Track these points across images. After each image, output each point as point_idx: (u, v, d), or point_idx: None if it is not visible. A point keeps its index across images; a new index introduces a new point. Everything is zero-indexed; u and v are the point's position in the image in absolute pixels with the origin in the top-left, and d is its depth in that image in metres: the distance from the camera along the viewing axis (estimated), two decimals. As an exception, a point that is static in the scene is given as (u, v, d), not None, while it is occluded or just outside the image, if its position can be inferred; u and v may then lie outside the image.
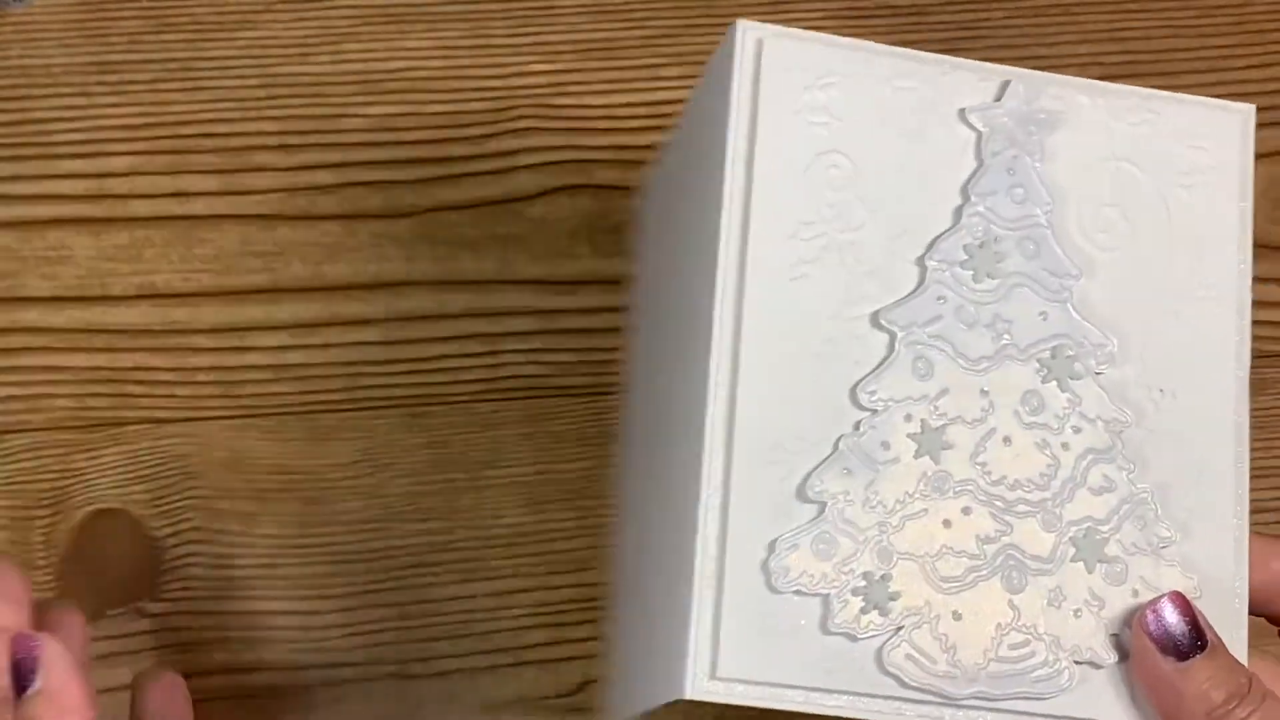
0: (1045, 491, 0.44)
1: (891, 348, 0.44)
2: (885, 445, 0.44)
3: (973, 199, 0.46)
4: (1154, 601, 0.44)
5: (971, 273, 0.45)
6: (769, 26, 0.45)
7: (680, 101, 0.63)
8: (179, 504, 0.59)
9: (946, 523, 0.44)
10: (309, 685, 0.58)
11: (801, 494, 0.43)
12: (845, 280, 0.45)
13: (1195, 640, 0.43)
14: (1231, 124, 0.48)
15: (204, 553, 0.59)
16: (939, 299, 0.45)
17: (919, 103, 0.46)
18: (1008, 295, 0.45)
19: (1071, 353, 0.45)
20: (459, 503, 0.60)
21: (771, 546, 0.43)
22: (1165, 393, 0.46)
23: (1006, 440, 0.45)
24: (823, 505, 0.43)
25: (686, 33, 0.64)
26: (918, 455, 0.44)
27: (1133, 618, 0.44)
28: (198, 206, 0.61)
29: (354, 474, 0.60)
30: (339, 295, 0.61)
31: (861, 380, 0.44)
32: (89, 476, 0.59)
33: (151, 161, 0.62)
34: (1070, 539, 0.44)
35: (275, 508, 0.60)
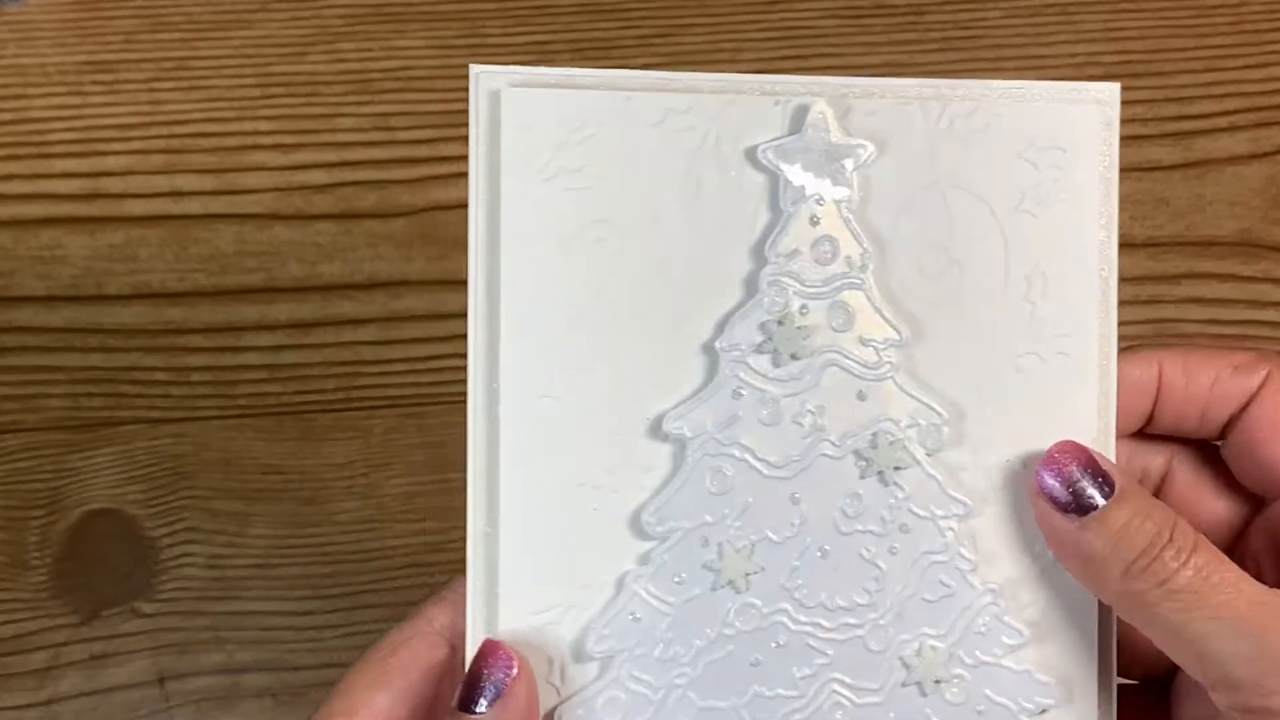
0: (871, 609, 0.38)
1: (679, 460, 0.38)
2: (678, 579, 0.38)
3: (770, 262, 0.38)
4: (1045, 454, 0.37)
5: (770, 356, 0.38)
6: (510, 71, 0.37)
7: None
8: (173, 504, 0.59)
9: (755, 661, 0.38)
10: (304, 686, 0.58)
11: (580, 652, 0.37)
12: (620, 385, 0.38)
13: (1098, 487, 0.36)
14: (1088, 117, 0.39)
15: (198, 553, 0.59)
16: (734, 394, 0.38)
17: (698, 145, 0.38)
18: (817, 378, 0.38)
19: (895, 438, 0.38)
20: (454, 503, 0.60)
21: (550, 718, 0.37)
22: (1010, 465, 0.38)
23: (823, 554, 0.38)
24: (607, 660, 0.37)
25: (683, 32, 0.64)
26: (716, 588, 0.38)
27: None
28: (193, 206, 0.61)
29: (349, 474, 0.60)
30: (334, 295, 0.61)
31: (644, 504, 0.38)
32: (84, 476, 0.59)
33: (146, 161, 0.62)
34: (901, 659, 0.38)
35: (270, 508, 0.59)
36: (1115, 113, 0.38)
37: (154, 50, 0.63)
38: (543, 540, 0.37)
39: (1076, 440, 0.38)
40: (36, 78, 0.62)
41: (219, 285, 0.61)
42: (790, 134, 0.38)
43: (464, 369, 0.61)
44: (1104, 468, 0.37)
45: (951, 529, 0.38)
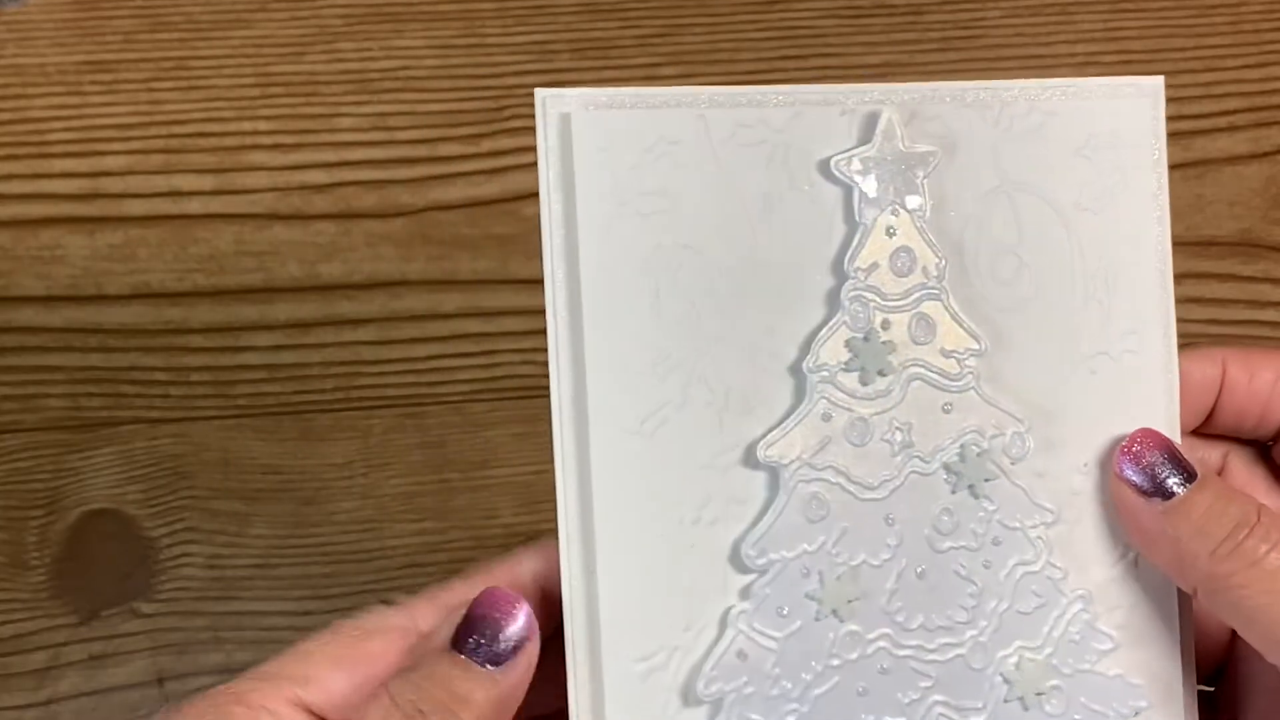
0: (971, 626, 0.38)
1: (775, 489, 0.37)
2: (781, 612, 0.37)
3: (850, 277, 0.37)
4: (1124, 442, 0.37)
5: (858, 374, 0.37)
6: (577, 93, 0.36)
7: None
8: (173, 504, 0.59)
9: (863, 690, 0.37)
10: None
11: (689, 696, 0.36)
12: (710, 414, 0.37)
13: (1178, 474, 0.37)
14: (1137, 111, 0.39)
15: (198, 553, 0.59)
16: (824, 416, 0.37)
17: (769, 159, 0.37)
18: (903, 393, 0.37)
19: (982, 448, 0.38)
20: (453, 503, 0.60)
21: None
22: (1087, 469, 0.38)
23: (920, 574, 0.37)
24: (718, 703, 0.36)
25: (682, 32, 0.64)
26: (820, 617, 0.37)
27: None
28: (192, 206, 0.61)
29: (348, 474, 0.60)
30: (333, 295, 0.61)
31: (745, 536, 0.37)
32: (83, 476, 0.59)
33: (146, 161, 0.62)
34: (1002, 675, 0.38)
35: (269, 508, 0.59)
36: (1161, 105, 0.39)
37: (153, 50, 0.63)
38: (642, 584, 0.36)
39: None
40: (35, 77, 0.62)
41: (218, 285, 0.61)
42: (860, 144, 0.37)
43: (462, 369, 0.61)
44: (1182, 455, 0.37)
45: (1040, 538, 0.38)
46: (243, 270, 0.61)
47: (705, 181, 0.37)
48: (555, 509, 0.61)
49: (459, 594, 0.37)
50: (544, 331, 0.61)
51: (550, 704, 0.37)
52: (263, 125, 0.62)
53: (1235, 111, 0.64)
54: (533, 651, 0.36)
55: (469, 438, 0.60)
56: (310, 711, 0.35)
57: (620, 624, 0.36)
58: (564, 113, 0.36)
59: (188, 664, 0.58)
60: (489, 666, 0.35)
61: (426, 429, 0.60)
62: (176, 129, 0.62)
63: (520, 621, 0.35)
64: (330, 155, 0.62)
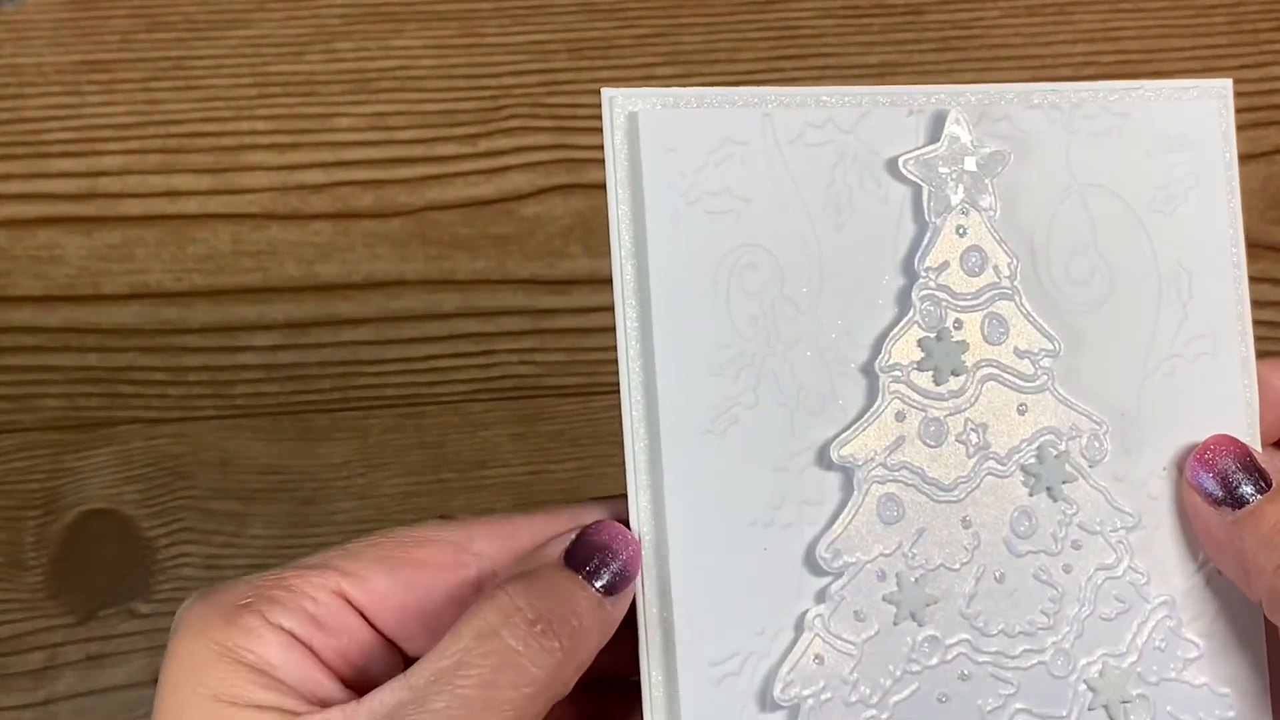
0: (1052, 632, 0.37)
1: (849, 490, 0.36)
2: (858, 615, 0.36)
3: (920, 276, 0.37)
4: (1198, 447, 0.37)
5: (931, 373, 0.37)
6: (647, 92, 0.36)
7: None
8: (171, 504, 0.59)
9: (943, 697, 0.37)
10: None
11: (765, 701, 0.36)
12: (782, 414, 0.36)
13: (1253, 482, 0.36)
14: (1207, 113, 0.39)
15: (195, 553, 0.59)
16: (898, 416, 0.36)
17: (837, 159, 0.37)
18: (977, 393, 0.37)
19: (1060, 450, 0.37)
20: (452, 503, 0.60)
21: None
22: (1168, 473, 0.38)
23: (999, 577, 0.37)
24: (794, 709, 0.36)
25: (680, 31, 0.64)
26: (898, 620, 0.36)
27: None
28: (190, 206, 0.61)
29: (346, 474, 0.60)
30: (331, 295, 0.61)
31: (818, 538, 0.36)
32: (80, 476, 0.59)
33: (143, 160, 0.62)
34: (1086, 683, 0.37)
35: (267, 508, 0.59)
36: (1230, 106, 0.39)
37: (150, 50, 0.62)
38: (716, 587, 0.36)
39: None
40: (33, 77, 0.62)
41: (216, 285, 0.61)
42: (928, 144, 0.37)
43: (460, 369, 0.61)
44: (1259, 463, 0.36)
45: (1121, 542, 0.37)
46: (240, 270, 0.61)
47: (773, 181, 0.36)
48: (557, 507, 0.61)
49: (518, 525, 0.37)
50: (541, 332, 0.61)
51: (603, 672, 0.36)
52: (260, 125, 0.62)
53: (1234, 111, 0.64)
54: (630, 595, 0.35)
55: (467, 438, 0.60)
56: (350, 604, 0.35)
57: (694, 628, 0.36)
58: (631, 112, 0.36)
59: (185, 664, 0.58)
60: (601, 593, 0.34)
61: (424, 429, 0.60)
62: (174, 129, 0.62)
63: (630, 555, 0.35)
64: (328, 155, 0.62)
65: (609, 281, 0.63)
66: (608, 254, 0.61)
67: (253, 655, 0.34)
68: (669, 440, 0.36)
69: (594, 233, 0.62)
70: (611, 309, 0.62)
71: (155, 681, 0.58)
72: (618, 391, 0.61)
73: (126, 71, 0.62)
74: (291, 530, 0.59)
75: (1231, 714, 0.38)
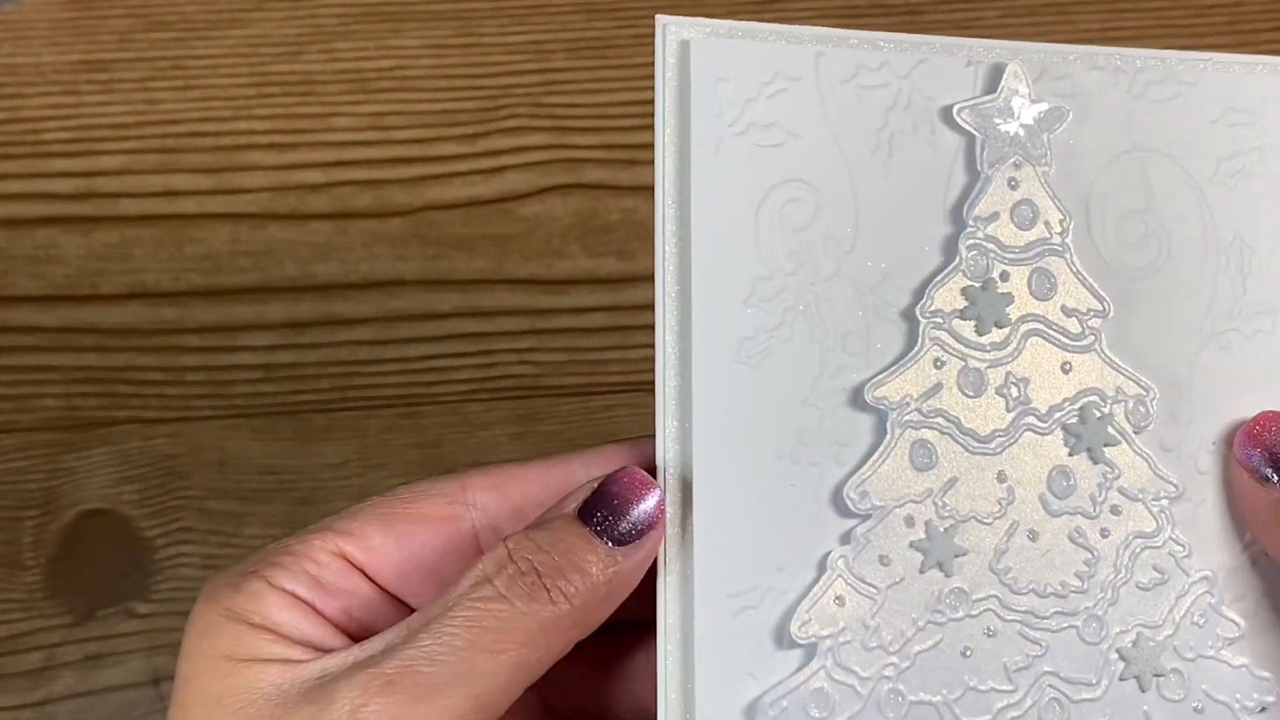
0: (1084, 596, 0.36)
1: (881, 432, 0.36)
2: (884, 560, 0.35)
3: (969, 225, 0.36)
4: (1247, 423, 0.36)
5: (974, 323, 0.36)
6: (699, 22, 0.36)
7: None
8: (169, 504, 0.59)
9: (966, 652, 0.35)
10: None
11: (782, 637, 0.35)
12: (817, 352, 0.36)
13: None
14: (1274, 87, 0.38)
15: (194, 553, 0.59)
16: (936, 363, 0.36)
17: (891, 103, 0.36)
18: (1020, 348, 0.36)
19: (1104, 412, 0.36)
20: (450, 503, 0.60)
21: (751, 710, 0.35)
22: (1217, 448, 0.37)
23: (1032, 535, 0.36)
24: (811, 648, 0.35)
25: (679, 31, 0.64)
26: (924, 569, 0.36)
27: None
28: (188, 205, 0.61)
29: (344, 474, 0.60)
30: (329, 294, 0.61)
31: (847, 479, 0.36)
32: (78, 476, 0.59)
33: (141, 160, 0.61)
34: (1119, 652, 0.36)
35: (265, 508, 0.59)
36: None
37: (149, 49, 0.62)
38: (739, 517, 0.35)
39: None
40: (31, 77, 0.62)
41: (214, 285, 0.61)
42: (985, 95, 0.37)
43: (458, 369, 0.61)
44: None
45: (1164, 512, 0.37)
46: (238, 270, 0.61)
47: (824, 119, 0.36)
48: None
49: (513, 475, 0.37)
50: (539, 332, 0.61)
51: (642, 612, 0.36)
52: (259, 125, 0.62)
53: (1232, 111, 0.64)
54: (656, 539, 0.35)
55: (465, 438, 0.60)
56: (351, 563, 0.36)
57: (714, 556, 0.35)
58: (684, 39, 0.36)
59: (183, 664, 0.58)
60: (610, 544, 0.34)
61: (423, 429, 0.60)
62: (172, 128, 0.62)
63: (650, 505, 0.35)
64: (326, 155, 0.62)
65: (609, 282, 0.63)
66: (606, 254, 0.61)
67: (258, 616, 0.35)
68: (699, 367, 0.35)
69: (593, 233, 0.62)
70: (611, 309, 0.62)
71: (154, 682, 0.58)
72: (618, 392, 0.61)
73: (124, 71, 0.62)
74: (290, 530, 0.59)
75: (1271, 699, 0.37)
